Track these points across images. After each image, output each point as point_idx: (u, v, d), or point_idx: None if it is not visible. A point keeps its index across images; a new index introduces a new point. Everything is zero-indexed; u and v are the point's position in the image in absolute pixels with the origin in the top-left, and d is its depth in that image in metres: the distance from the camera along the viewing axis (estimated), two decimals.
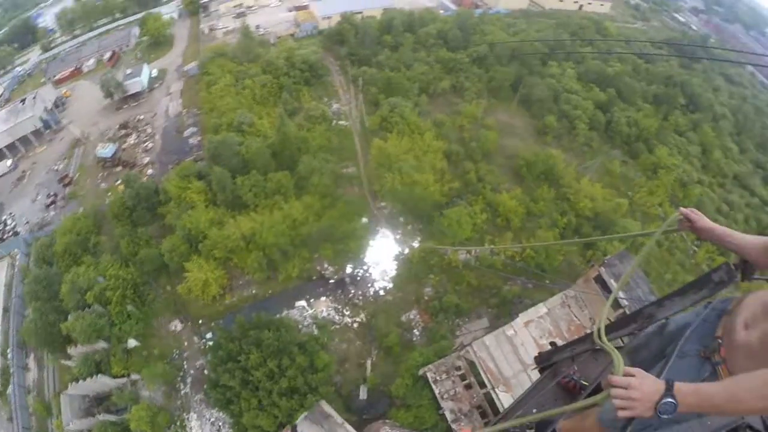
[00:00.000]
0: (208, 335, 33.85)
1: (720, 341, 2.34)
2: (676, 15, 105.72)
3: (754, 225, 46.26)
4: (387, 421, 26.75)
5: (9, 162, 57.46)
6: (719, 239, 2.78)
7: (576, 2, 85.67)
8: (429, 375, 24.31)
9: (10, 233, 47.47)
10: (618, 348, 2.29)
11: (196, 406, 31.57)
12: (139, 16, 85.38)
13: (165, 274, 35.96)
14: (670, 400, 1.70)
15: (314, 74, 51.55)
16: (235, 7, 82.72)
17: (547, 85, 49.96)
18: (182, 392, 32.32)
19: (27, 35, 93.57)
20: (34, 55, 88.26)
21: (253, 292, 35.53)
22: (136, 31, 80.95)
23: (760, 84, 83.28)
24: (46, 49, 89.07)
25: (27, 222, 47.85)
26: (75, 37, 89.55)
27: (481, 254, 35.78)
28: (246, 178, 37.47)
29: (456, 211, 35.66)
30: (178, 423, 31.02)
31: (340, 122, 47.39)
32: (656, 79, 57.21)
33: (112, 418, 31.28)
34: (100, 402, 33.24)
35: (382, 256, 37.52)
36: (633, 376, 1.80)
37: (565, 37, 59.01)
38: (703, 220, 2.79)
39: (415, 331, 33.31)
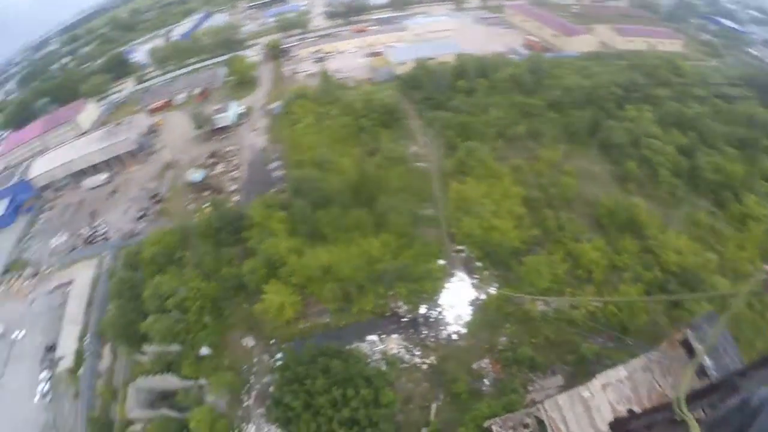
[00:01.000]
0: (278, 355, 34.62)
1: None
2: (749, 50, 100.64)
3: None
4: None
5: (104, 176, 63.51)
6: None
7: (645, 41, 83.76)
8: (495, 428, 22.71)
9: (101, 238, 52.15)
10: (697, 420, 1.94)
11: (257, 419, 32.10)
12: (225, 57, 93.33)
13: (243, 293, 37.31)
14: None
15: (391, 117, 52.77)
16: (314, 52, 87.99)
17: (625, 130, 48.26)
18: (245, 404, 33.09)
19: (120, 67, 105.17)
20: (128, 86, 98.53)
21: (326, 320, 36.03)
22: (223, 71, 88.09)
23: None
24: (140, 81, 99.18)
25: (118, 230, 52.18)
26: (166, 72, 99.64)
27: (559, 306, 33.97)
28: (326, 212, 38.39)
29: (535, 260, 34.52)
30: (236, 431, 31.58)
31: (418, 164, 47.75)
32: (737, 120, 53.45)
33: (173, 414, 32.53)
34: (164, 398, 34.81)
35: (457, 299, 36.73)
36: None
37: (638, 79, 57.20)
38: None
39: (485, 381, 32.08)
